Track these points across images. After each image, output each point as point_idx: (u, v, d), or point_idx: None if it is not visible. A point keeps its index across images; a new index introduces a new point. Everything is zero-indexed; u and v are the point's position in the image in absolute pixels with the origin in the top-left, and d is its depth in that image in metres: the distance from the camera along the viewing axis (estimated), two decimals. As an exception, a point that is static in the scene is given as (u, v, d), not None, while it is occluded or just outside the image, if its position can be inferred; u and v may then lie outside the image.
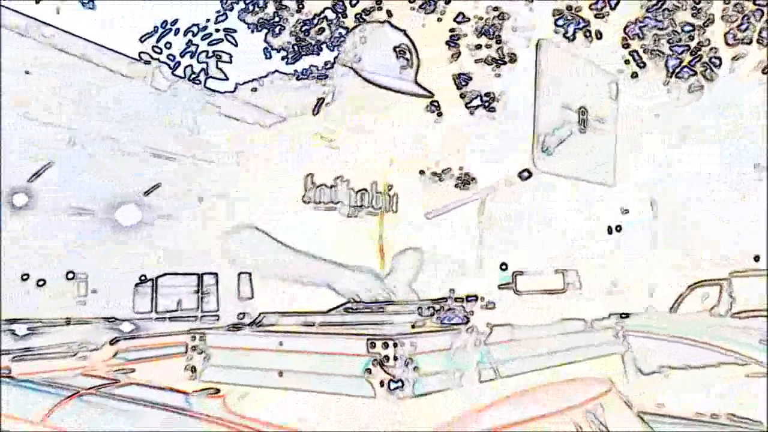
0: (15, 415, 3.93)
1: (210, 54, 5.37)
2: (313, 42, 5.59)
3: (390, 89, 5.56)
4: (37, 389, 4.16)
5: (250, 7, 5.49)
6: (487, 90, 5.58)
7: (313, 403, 3.63)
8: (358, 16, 5.57)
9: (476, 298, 4.78)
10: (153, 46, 5.27)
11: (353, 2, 5.58)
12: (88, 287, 4.96)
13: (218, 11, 5.41)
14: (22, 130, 4.78)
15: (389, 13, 5.56)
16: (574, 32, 5.55)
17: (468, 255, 5.46)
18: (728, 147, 5.39)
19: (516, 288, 5.36)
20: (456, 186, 5.62)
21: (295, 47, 5.57)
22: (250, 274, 5.40)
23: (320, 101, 5.55)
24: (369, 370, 3.59)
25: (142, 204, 5.16)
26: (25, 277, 4.77)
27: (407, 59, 5.56)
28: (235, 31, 5.44)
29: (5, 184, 4.73)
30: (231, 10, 5.43)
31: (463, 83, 5.59)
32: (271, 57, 5.52)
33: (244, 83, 5.47)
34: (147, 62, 5.22)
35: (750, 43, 5.43)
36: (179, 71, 5.33)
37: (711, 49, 5.47)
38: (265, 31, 5.52)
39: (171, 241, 5.19)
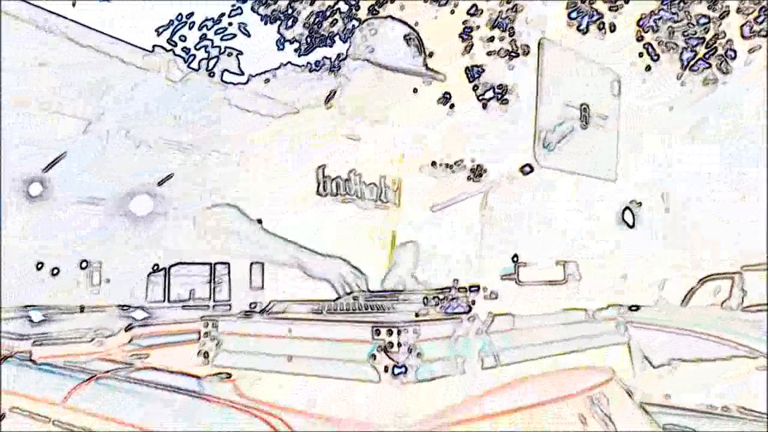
0: (37, 397, 4.03)
1: (223, 50, 5.41)
2: (326, 34, 5.62)
3: (407, 73, 5.57)
4: (57, 372, 4.26)
5: None
6: (500, 82, 5.58)
7: (320, 386, 3.68)
8: (371, 8, 5.59)
9: (479, 288, 4.79)
10: (168, 40, 5.33)
11: (366, -6, 5.61)
12: (102, 276, 5.03)
13: (233, 5, 5.44)
14: (37, 122, 4.86)
15: (401, 7, 5.58)
16: (588, 25, 5.52)
17: (470, 248, 5.49)
18: (728, 147, 5.34)
19: (518, 279, 5.37)
20: (468, 178, 5.63)
21: (308, 39, 5.60)
22: (262, 264, 5.45)
23: (332, 93, 5.58)
24: (374, 356, 3.63)
25: (155, 194, 5.23)
26: (39, 265, 4.85)
27: (417, 46, 5.57)
28: (246, 25, 5.48)
29: (21, 172, 4.81)
30: (245, 2, 5.46)
31: (476, 75, 5.59)
32: (284, 48, 5.56)
33: (257, 75, 5.51)
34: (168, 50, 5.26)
35: (767, 35, 5.37)
36: (194, 64, 5.39)
37: (727, 41, 5.42)
38: (278, 22, 5.56)
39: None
